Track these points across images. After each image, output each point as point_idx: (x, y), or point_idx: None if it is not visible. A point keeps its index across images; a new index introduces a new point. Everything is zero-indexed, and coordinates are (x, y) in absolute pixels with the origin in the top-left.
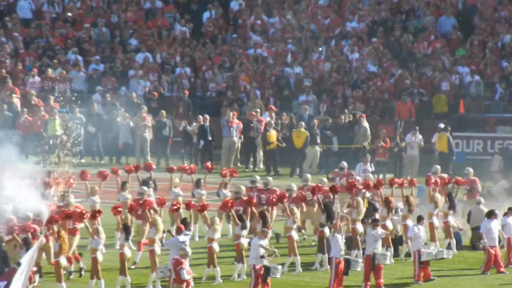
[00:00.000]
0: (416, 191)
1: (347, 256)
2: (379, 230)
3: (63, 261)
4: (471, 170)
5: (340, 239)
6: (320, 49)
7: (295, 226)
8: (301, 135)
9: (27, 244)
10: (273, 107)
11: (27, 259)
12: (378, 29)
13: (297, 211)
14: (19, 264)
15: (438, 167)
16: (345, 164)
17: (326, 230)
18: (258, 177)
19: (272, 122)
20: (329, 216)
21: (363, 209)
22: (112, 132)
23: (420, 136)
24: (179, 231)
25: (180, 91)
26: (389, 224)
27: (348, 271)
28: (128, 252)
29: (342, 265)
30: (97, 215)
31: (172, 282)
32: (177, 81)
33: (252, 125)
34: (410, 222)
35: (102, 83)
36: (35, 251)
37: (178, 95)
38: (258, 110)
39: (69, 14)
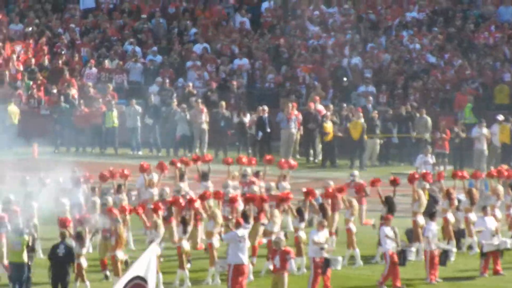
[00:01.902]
0: (484, 184)
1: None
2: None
3: (120, 255)
4: None
5: (388, 231)
6: (379, 39)
7: (353, 218)
8: (357, 126)
9: (79, 239)
10: (317, 97)
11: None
12: (438, 19)
13: (356, 204)
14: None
15: None
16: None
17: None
18: (249, 170)
19: (329, 113)
20: (391, 208)
21: (425, 201)
22: (169, 124)
23: (486, 129)
24: (237, 225)
25: (237, 82)
26: (450, 216)
27: (405, 262)
28: (186, 246)
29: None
30: (158, 208)
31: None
32: (235, 72)
33: (311, 115)
34: (473, 215)
35: (159, 74)
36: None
37: (235, 86)
38: (316, 101)
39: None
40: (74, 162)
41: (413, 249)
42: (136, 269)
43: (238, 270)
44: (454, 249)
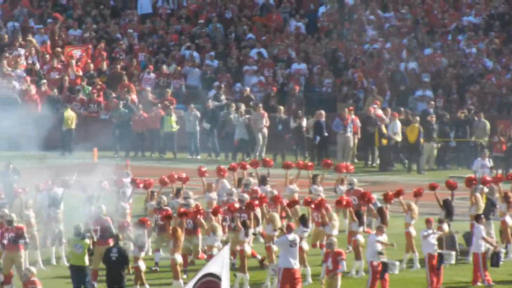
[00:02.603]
0: None
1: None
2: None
3: (178, 258)
4: None
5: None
6: (436, 43)
7: (413, 222)
8: (414, 130)
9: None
10: (378, 101)
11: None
12: (494, 23)
13: (415, 207)
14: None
15: None
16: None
17: (445, 226)
18: (252, 180)
19: (384, 117)
20: (449, 212)
21: (482, 205)
22: (228, 128)
23: None
24: (289, 229)
25: (294, 87)
26: (508, 220)
27: (440, 265)
28: (248, 249)
29: (435, 260)
30: (217, 212)
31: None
32: (293, 77)
33: (371, 120)
34: None
35: (217, 79)
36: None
37: (292, 90)
38: (376, 105)
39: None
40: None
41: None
42: (209, 266)
43: (288, 274)
44: (503, 250)
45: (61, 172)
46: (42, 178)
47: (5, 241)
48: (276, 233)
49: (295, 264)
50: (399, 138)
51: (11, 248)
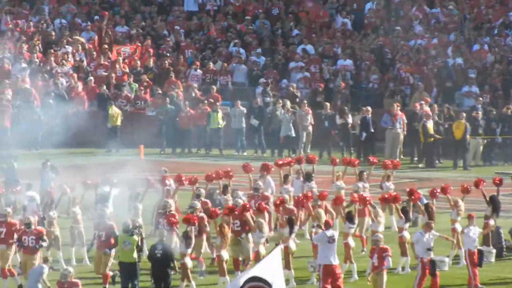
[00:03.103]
0: None
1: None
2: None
3: (225, 255)
4: None
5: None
6: (482, 39)
7: (459, 218)
8: (460, 126)
9: (187, 238)
10: (428, 98)
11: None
12: None
13: (461, 203)
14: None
15: None
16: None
17: (492, 222)
18: (261, 184)
19: (430, 113)
20: (495, 208)
21: None
22: (274, 125)
23: None
24: (327, 226)
25: (340, 83)
26: None
27: (481, 262)
28: (293, 246)
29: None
30: (264, 209)
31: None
32: (340, 73)
33: (418, 116)
34: None
35: (263, 76)
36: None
37: (337, 87)
38: (423, 102)
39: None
40: (176, 163)
41: None
42: (257, 270)
43: (328, 270)
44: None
45: (108, 170)
46: (89, 175)
47: (25, 244)
48: (314, 230)
49: (334, 260)
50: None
51: (29, 252)
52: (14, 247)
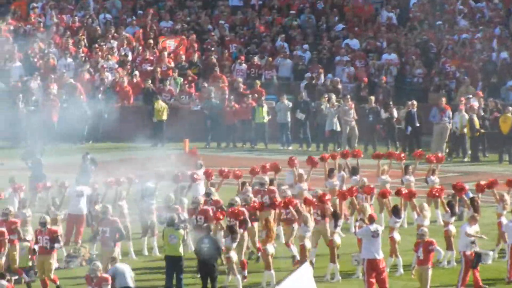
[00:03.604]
0: None
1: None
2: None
3: (270, 248)
4: None
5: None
6: None
7: (505, 212)
8: (507, 120)
9: (232, 232)
10: (480, 92)
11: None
12: None
13: (507, 197)
14: None
15: None
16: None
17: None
18: (267, 178)
19: (476, 108)
20: None
21: None
22: (319, 119)
23: None
24: (371, 220)
25: (387, 78)
26: None
27: None
28: (338, 240)
29: None
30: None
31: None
32: (384, 68)
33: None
34: None
35: (308, 70)
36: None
37: (382, 81)
38: (470, 96)
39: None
40: (220, 157)
41: None
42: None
43: (372, 264)
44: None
45: (153, 164)
46: (135, 169)
47: (40, 244)
48: (358, 224)
49: (378, 254)
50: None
51: (43, 252)
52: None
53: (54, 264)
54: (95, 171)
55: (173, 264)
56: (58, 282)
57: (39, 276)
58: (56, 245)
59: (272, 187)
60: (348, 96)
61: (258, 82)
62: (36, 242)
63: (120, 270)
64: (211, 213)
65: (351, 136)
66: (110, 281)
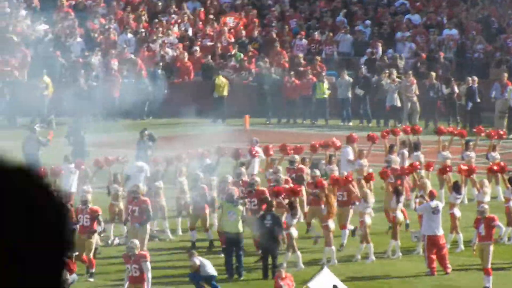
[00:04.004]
0: None
1: None
2: None
3: (331, 225)
4: None
5: None
6: None
7: None
8: None
9: (292, 208)
10: None
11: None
12: None
13: None
14: None
15: None
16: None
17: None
18: (297, 157)
19: None
20: None
21: None
22: (379, 95)
23: None
24: (431, 196)
25: (446, 53)
26: None
27: None
28: (400, 216)
29: None
30: (371, 178)
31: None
32: (444, 43)
33: None
34: None
35: (369, 46)
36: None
37: (441, 57)
38: None
39: None
40: (280, 133)
41: None
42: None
43: (432, 241)
44: None
45: (214, 139)
46: (195, 145)
47: (80, 224)
48: (418, 200)
49: (439, 230)
50: None
51: (83, 231)
52: None
53: (94, 244)
54: (153, 147)
55: (232, 240)
56: (94, 269)
57: (79, 255)
58: (99, 227)
59: (302, 166)
60: (410, 72)
61: (318, 57)
62: (77, 221)
63: (203, 261)
64: (267, 193)
65: (412, 112)
66: (148, 258)
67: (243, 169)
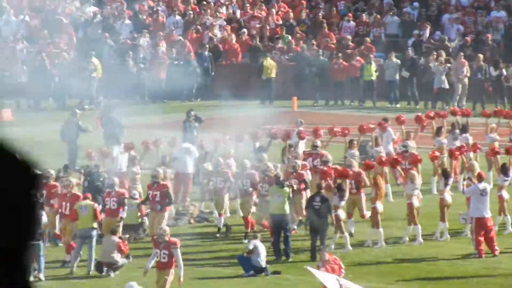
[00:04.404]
0: None
1: None
2: None
3: (380, 207)
4: None
5: None
6: None
7: None
8: None
9: (340, 190)
10: None
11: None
12: None
13: None
14: None
15: None
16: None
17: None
18: (319, 142)
19: None
20: None
21: None
22: (427, 77)
23: None
24: (479, 178)
25: (494, 35)
26: None
27: None
28: (448, 198)
29: None
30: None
31: None
32: (491, 25)
33: None
34: None
35: (416, 27)
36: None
37: (489, 39)
38: None
39: None
40: (327, 115)
41: None
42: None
43: (480, 223)
44: None
45: (262, 122)
46: (243, 127)
47: (108, 207)
48: (466, 183)
49: (486, 212)
50: None
51: (110, 214)
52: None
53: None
54: (200, 128)
55: (279, 223)
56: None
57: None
58: (123, 213)
59: (324, 151)
60: (461, 54)
61: (368, 39)
62: (104, 205)
63: (260, 248)
64: (306, 177)
65: (460, 94)
66: (178, 244)
67: (265, 155)
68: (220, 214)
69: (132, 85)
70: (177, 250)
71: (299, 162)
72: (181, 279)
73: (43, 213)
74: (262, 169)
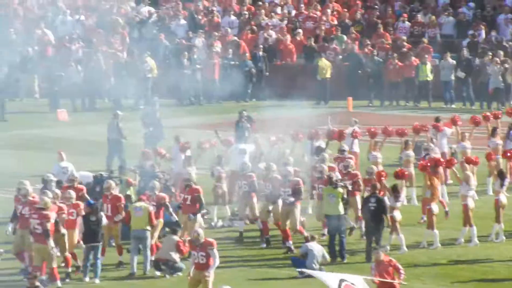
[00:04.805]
0: None
1: None
2: None
3: (435, 208)
4: None
5: None
6: None
7: None
8: None
9: (395, 191)
10: None
11: None
12: None
13: None
14: None
15: None
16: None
17: None
18: (346, 146)
19: None
20: None
21: None
22: (482, 77)
23: None
24: None
25: None
26: None
27: None
28: (504, 199)
29: None
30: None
31: None
32: None
33: None
34: None
35: (472, 28)
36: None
37: None
38: None
39: None
40: (382, 115)
41: None
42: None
43: None
44: None
45: (317, 122)
46: (299, 127)
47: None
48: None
49: None
50: None
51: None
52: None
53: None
54: (251, 129)
55: (333, 222)
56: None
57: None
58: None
59: (350, 155)
60: None
61: (425, 39)
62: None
63: (313, 251)
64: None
65: None
66: (215, 245)
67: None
68: (255, 218)
69: (187, 86)
70: (214, 251)
71: (352, 162)
72: (211, 275)
73: (103, 214)
74: (318, 170)
